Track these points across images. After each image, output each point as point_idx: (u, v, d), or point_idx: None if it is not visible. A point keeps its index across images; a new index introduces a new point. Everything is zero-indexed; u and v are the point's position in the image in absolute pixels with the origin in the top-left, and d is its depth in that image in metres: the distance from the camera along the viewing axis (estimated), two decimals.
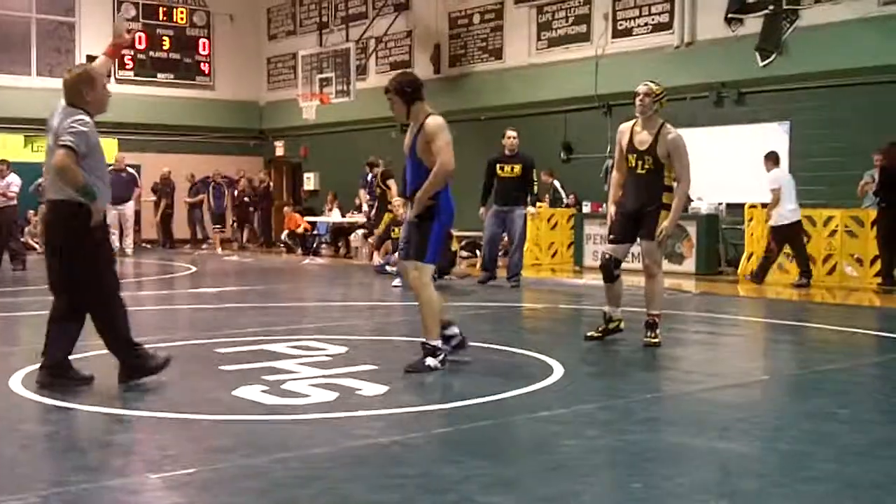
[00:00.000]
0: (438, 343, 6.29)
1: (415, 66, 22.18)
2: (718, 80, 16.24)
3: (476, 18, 20.86)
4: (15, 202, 15.71)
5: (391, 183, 15.37)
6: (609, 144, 17.56)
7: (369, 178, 17.76)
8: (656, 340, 7.36)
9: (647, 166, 7.32)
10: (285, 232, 21.72)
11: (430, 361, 6.17)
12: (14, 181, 15.58)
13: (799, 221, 13.15)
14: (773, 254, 13.36)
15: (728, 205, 15.29)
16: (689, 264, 14.68)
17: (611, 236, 7.67)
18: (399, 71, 6.45)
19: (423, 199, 6.22)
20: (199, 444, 4.44)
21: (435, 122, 6.29)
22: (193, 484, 3.78)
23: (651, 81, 7.53)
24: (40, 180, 20.97)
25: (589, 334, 7.64)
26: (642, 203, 7.37)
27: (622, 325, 7.64)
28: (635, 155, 7.36)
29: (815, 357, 7.39)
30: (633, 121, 7.51)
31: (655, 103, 7.38)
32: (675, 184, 7.35)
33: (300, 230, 21.34)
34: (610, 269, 7.54)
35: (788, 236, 13.14)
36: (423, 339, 6.24)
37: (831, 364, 6.94)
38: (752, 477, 3.93)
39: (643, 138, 7.34)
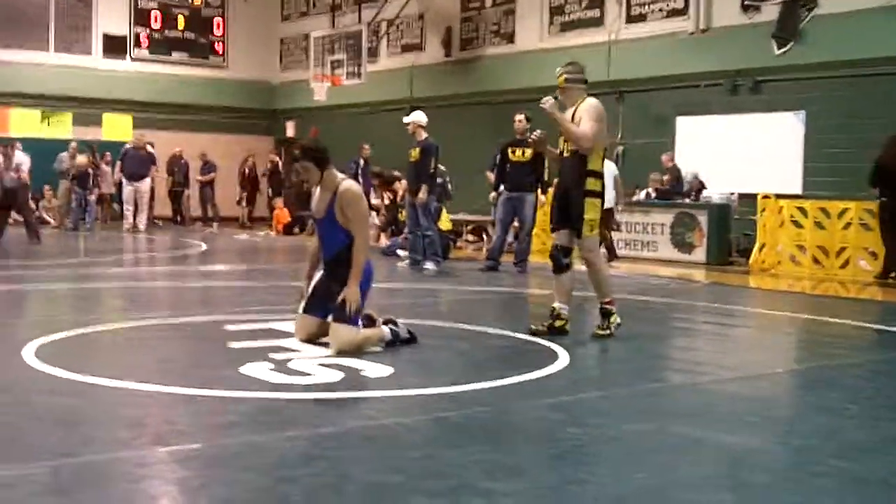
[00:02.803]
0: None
1: (426, 49, 22.18)
2: (733, 68, 16.15)
3: (488, 2, 20.81)
4: (26, 181, 15.79)
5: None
6: (621, 131, 17.53)
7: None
8: (606, 332, 7.02)
9: (570, 147, 7.05)
10: (275, 228, 21.56)
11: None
12: (23, 161, 15.66)
13: (609, 209, 13.46)
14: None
15: (741, 195, 15.23)
16: (700, 254, 14.64)
17: (551, 224, 7.46)
18: (304, 140, 6.52)
19: (355, 294, 6.18)
20: (207, 419, 4.44)
21: (352, 189, 6.36)
22: (200, 458, 3.78)
23: (567, 65, 7.22)
24: (62, 155, 21.14)
25: (533, 328, 7.14)
26: (567, 187, 7.09)
27: (568, 325, 7.10)
28: (563, 137, 7.14)
29: (825, 351, 7.34)
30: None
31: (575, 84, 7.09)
32: (605, 168, 7.14)
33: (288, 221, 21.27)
34: (557, 257, 7.11)
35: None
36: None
37: (842, 359, 6.90)
38: (759, 470, 3.90)
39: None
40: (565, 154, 7.10)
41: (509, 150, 12.64)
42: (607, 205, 13.97)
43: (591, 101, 7.01)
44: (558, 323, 7.07)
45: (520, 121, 12.55)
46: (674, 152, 16.68)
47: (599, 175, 7.06)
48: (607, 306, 7.10)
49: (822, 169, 14.97)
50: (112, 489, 3.38)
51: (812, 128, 15.22)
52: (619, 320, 7.10)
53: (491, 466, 3.79)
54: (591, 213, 7.00)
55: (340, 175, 6.47)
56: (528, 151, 12.40)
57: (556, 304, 7.13)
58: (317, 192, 6.51)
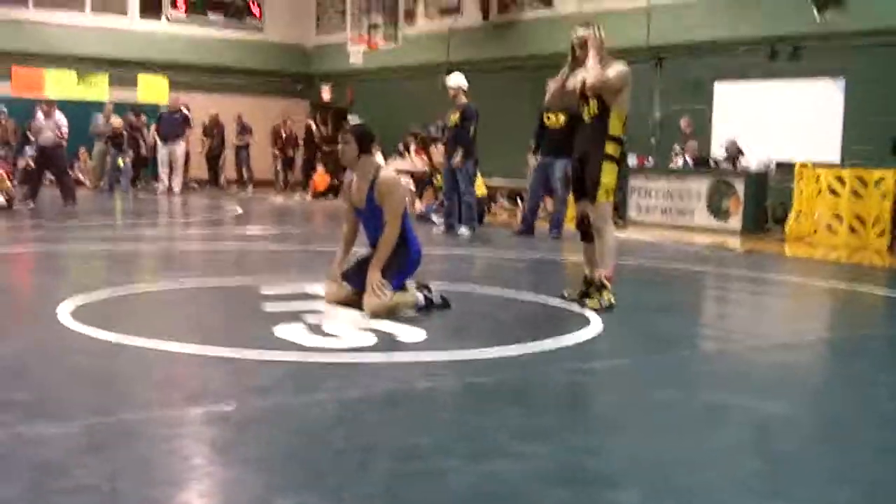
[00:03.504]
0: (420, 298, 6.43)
1: (463, 12, 22.00)
2: (773, 34, 15.92)
3: None
4: (64, 141, 15.88)
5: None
6: (659, 97, 17.38)
7: None
8: (598, 306, 6.64)
9: (592, 112, 6.81)
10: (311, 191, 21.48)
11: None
12: (62, 120, 15.73)
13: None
14: None
15: (778, 162, 15.07)
16: (735, 222, 14.53)
17: (573, 194, 7.25)
18: (356, 123, 6.61)
19: (377, 278, 6.22)
20: (240, 380, 4.49)
21: (390, 178, 6.43)
22: (232, 419, 3.83)
23: (581, 27, 6.94)
24: (97, 117, 21.27)
25: (566, 295, 7.03)
26: (585, 151, 6.85)
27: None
28: (583, 100, 6.89)
29: (860, 320, 7.29)
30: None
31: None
32: (623, 136, 6.85)
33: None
34: (583, 227, 7.00)
35: None
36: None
37: (875, 329, 6.85)
38: (789, 439, 3.90)
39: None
40: (586, 119, 6.91)
41: (545, 116, 12.60)
42: None
43: (621, 64, 6.83)
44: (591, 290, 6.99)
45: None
46: (691, 118, 16.54)
47: (620, 141, 6.86)
48: (604, 280, 6.78)
49: (861, 137, 14.75)
50: (145, 448, 3.43)
51: (851, 95, 14.99)
52: (613, 300, 6.70)
53: (521, 430, 3.80)
54: (608, 177, 6.78)
55: (379, 163, 6.52)
56: (563, 117, 12.34)
57: (587, 271, 7.08)
58: (353, 179, 6.55)
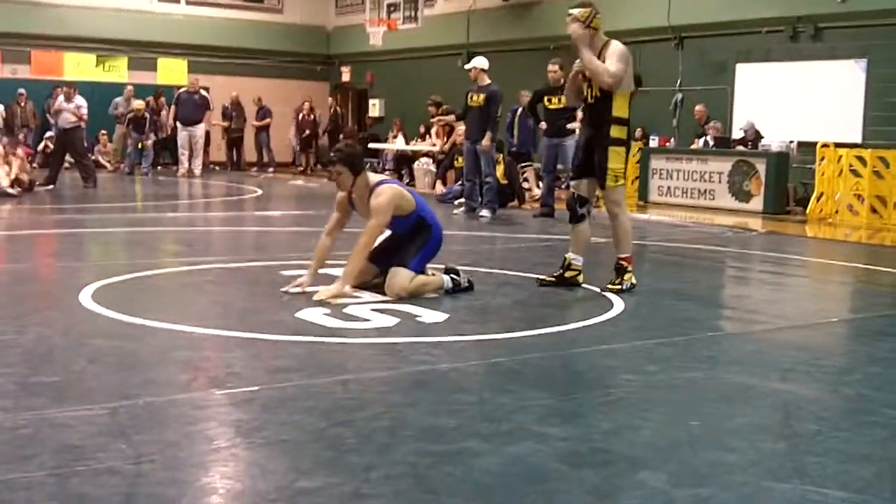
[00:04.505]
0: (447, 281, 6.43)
1: None
2: (795, 15, 15.79)
3: None
4: (83, 123, 15.95)
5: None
6: (680, 77, 17.28)
7: None
8: (619, 287, 6.65)
9: (594, 93, 6.68)
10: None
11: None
12: (82, 103, 15.80)
13: None
14: None
15: (800, 143, 14.98)
16: (757, 203, 14.44)
17: (571, 173, 7.15)
18: (342, 143, 6.49)
19: (335, 291, 6.06)
20: (263, 363, 4.52)
21: (382, 197, 6.25)
22: (256, 401, 3.84)
23: (575, 8, 6.70)
24: (117, 100, 21.33)
25: (542, 278, 6.92)
26: (591, 135, 6.79)
27: (580, 277, 6.87)
28: (586, 83, 6.78)
29: (882, 301, 7.25)
30: None
31: (587, 28, 6.64)
32: (625, 115, 6.69)
33: None
34: (573, 207, 6.87)
35: None
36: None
37: None
38: (812, 419, 3.89)
39: None
40: (590, 101, 6.79)
41: (545, 99, 12.61)
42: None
43: (618, 44, 6.69)
44: (569, 274, 6.87)
45: (553, 71, 12.50)
46: (707, 104, 16.45)
47: (625, 122, 6.75)
48: (623, 263, 6.76)
49: (882, 118, 14.65)
50: (170, 431, 3.45)
51: (873, 76, 14.86)
52: (633, 280, 6.73)
53: (545, 411, 3.81)
54: (615, 162, 6.70)
55: (374, 178, 6.45)
56: (564, 98, 12.33)
57: (569, 255, 6.92)
58: (355, 197, 6.45)
